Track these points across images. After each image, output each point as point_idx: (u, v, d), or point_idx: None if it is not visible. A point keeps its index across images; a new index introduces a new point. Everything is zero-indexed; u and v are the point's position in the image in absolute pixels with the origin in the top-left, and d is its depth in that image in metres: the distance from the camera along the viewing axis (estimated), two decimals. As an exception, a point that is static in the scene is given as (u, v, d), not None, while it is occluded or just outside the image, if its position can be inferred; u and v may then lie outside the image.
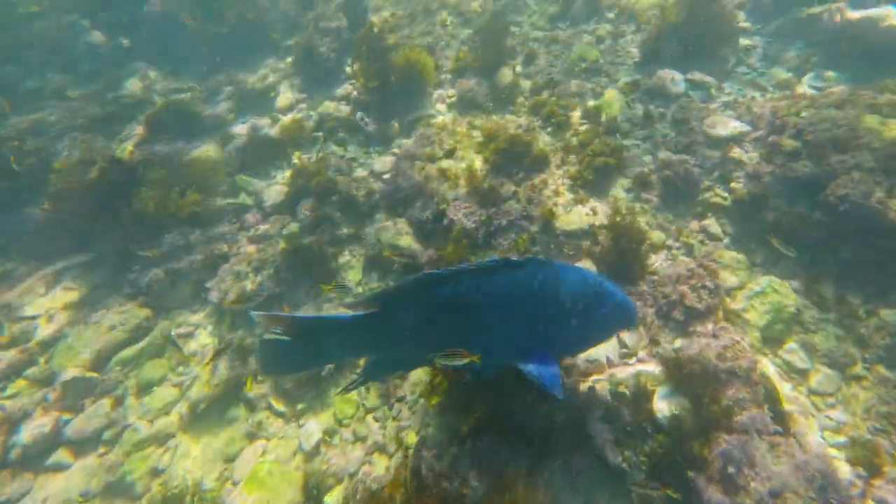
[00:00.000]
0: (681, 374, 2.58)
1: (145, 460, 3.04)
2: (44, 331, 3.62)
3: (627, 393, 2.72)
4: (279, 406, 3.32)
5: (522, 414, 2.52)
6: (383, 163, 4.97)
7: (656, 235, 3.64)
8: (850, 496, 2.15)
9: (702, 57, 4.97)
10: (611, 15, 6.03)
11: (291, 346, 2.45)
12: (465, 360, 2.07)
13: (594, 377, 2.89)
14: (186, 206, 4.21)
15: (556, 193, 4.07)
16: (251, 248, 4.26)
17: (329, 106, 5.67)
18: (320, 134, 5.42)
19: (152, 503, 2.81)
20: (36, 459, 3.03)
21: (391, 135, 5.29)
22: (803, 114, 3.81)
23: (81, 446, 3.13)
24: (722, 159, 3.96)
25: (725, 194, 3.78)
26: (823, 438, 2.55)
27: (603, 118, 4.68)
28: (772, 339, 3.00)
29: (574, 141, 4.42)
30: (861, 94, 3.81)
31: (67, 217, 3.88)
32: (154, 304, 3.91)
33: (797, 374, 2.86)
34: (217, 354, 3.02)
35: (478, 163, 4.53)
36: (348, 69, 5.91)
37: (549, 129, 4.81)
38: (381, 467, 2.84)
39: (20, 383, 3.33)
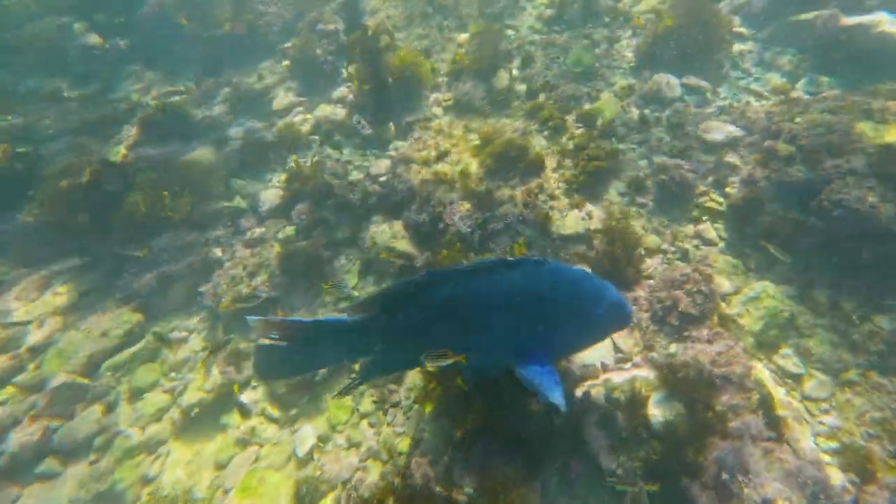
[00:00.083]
0: (675, 380, 2.57)
1: (136, 468, 3.00)
2: (34, 336, 3.57)
3: (622, 398, 2.71)
4: (273, 411, 3.29)
5: (518, 419, 2.51)
6: (379, 166, 4.96)
7: (651, 240, 3.65)
8: (842, 502, 2.14)
9: (697, 61, 4.99)
10: (607, 19, 6.05)
11: (288, 351, 2.44)
12: (451, 361, 2.07)
13: (589, 382, 2.88)
14: (180, 209, 4.18)
15: (552, 197, 4.08)
16: (246, 252, 4.24)
17: (326, 109, 5.66)
18: (317, 137, 5.41)
19: (142, 513, 2.78)
20: (25, 468, 2.99)
21: (388, 138, 5.28)
22: (797, 119, 3.83)
23: (71, 454, 3.09)
24: (717, 164, 3.97)
25: (720, 199, 3.79)
26: (817, 444, 2.55)
27: (599, 122, 4.69)
28: (766, 345, 3.01)
29: (570, 145, 4.43)
30: (854, 99, 3.83)
31: (58, 221, 3.84)
32: (147, 308, 3.88)
33: (791, 380, 2.86)
34: (214, 352, 2.99)
35: (474, 166, 4.53)
36: (345, 72, 5.90)
37: (545, 133, 4.82)
38: (374, 474, 2.82)
39: (9, 390, 3.28)
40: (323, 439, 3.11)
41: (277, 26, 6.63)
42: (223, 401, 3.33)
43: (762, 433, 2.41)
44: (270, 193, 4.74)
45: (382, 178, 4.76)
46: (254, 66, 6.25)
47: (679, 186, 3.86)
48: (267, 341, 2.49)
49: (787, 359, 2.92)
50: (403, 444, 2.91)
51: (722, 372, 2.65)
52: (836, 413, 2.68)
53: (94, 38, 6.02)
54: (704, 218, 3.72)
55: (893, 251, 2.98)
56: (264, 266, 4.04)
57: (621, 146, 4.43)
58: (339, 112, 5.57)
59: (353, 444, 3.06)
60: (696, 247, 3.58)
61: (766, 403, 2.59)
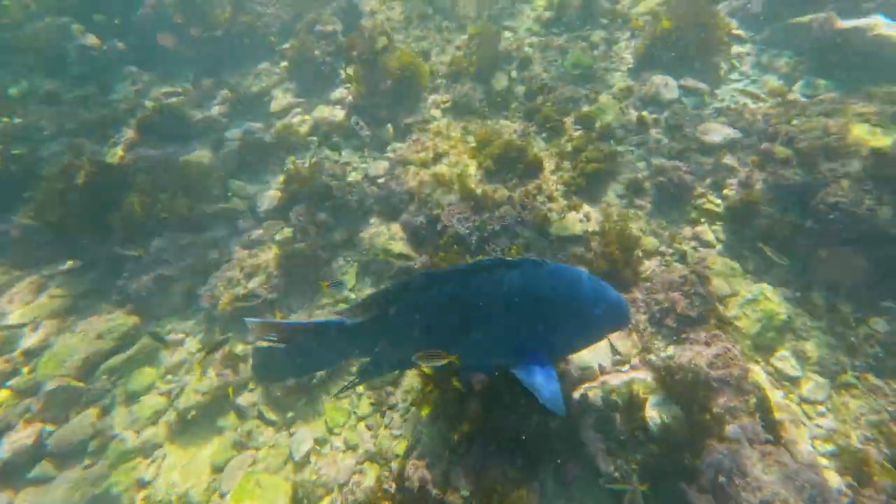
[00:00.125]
0: (672, 382, 2.57)
1: (131, 472, 2.98)
2: (29, 339, 3.55)
3: (620, 401, 2.71)
4: (270, 414, 3.28)
5: (516, 421, 2.51)
6: (378, 167, 4.95)
7: (649, 241, 3.65)
8: (840, 506, 2.15)
9: (695, 63, 5.01)
10: (605, 21, 6.07)
11: (286, 353, 2.44)
12: (444, 361, 2.07)
13: (587, 384, 2.88)
14: (177, 210, 4.16)
15: (551, 199, 4.08)
16: (244, 253, 4.22)
17: (324, 110, 5.65)
18: (315, 138, 5.40)
19: (137, 517, 2.76)
20: (18, 472, 2.97)
21: (386, 139, 5.28)
22: (794, 121, 3.84)
23: (66, 458, 3.06)
24: (715, 166, 3.98)
25: (718, 201, 3.79)
26: (814, 447, 2.55)
27: (597, 124, 4.70)
28: (763, 347, 3.01)
29: (568, 147, 4.43)
30: (850, 102, 3.85)
31: (55, 223, 3.82)
32: (143, 311, 3.86)
33: (788, 382, 2.87)
34: (211, 352, 2.98)
35: (472, 168, 4.53)
36: (343, 73, 5.90)
37: (543, 135, 4.82)
38: (371, 477, 2.81)
39: (3, 394, 3.26)
40: (320, 442, 3.10)
41: (276, 27, 6.63)
42: (220, 403, 3.32)
43: (759, 436, 2.41)
44: (268, 195, 4.73)
45: (381, 180, 4.76)
46: (252, 67, 6.24)
47: (677, 188, 3.87)
48: (264, 343, 2.49)
49: (785, 361, 2.93)
50: (400, 447, 2.90)
51: (719, 374, 2.65)
52: (832, 416, 2.68)
53: (91, 39, 6.01)
54: (702, 220, 3.73)
55: (890, 253, 2.99)
56: (262, 268, 4.03)
57: (620, 148, 4.44)
58: (338, 113, 5.57)
59: (350, 447, 3.05)
60: (695, 249, 3.58)
61: (764, 406, 2.59)
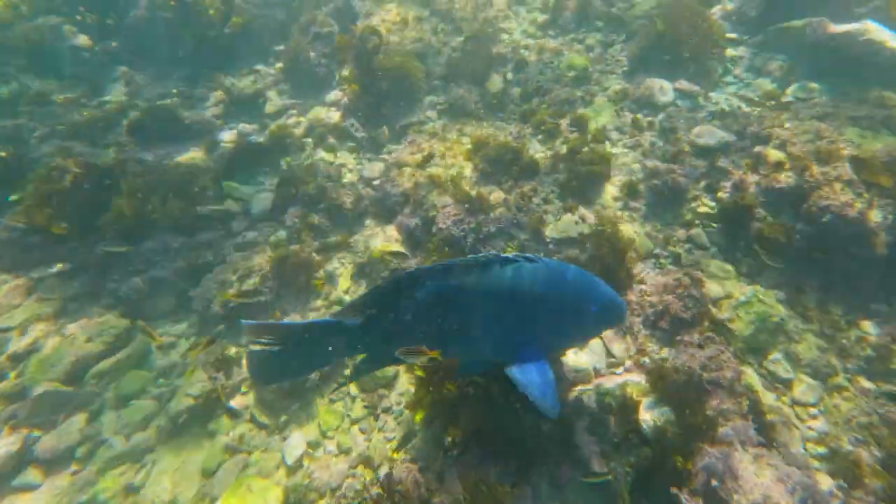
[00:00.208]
0: (666, 385, 2.58)
1: (120, 478, 2.94)
2: (16, 344, 3.50)
3: (614, 403, 2.71)
4: (262, 418, 3.25)
5: (510, 424, 2.50)
6: (373, 169, 4.94)
7: (643, 244, 3.66)
8: (831, 508, 2.15)
9: (689, 66, 5.04)
10: (600, 24, 6.10)
11: (282, 354, 2.43)
12: (425, 358, 2.07)
13: (581, 387, 2.88)
14: (170, 212, 4.13)
15: (546, 201, 4.08)
16: (237, 256, 4.19)
17: (319, 112, 5.63)
18: (310, 140, 5.38)
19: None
20: (3, 479, 2.91)
21: (381, 141, 5.27)
22: (787, 125, 3.87)
23: (53, 464, 3.01)
24: (709, 169, 4.00)
25: (712, 203, 3.81)
26: (806, 450, 2.56)
27: (592, 126, 4.72)
28: (756, 349, 3.02)
29: (564, 149, 4.44)
30: (842, 106, 3.89)
31: (43, 226, 3.77)
32: (134, 314, 3.82)
33: (781, 385, 2.88)
34: (205, 346, 2.95)
35: (467, 170, 4.53)
36: (338, 75, 5.89)
37: (539, 137, 4.83)
38: (365, 480, 2.78)
39: (-11, 398, 3.21)
40: (313, 445, 3.07)
41: (271, 28, 6.61)
42: (211, 407, 3.28)
43: (752, 438, 2.42)
44: (262, 196, 4.70)
45: (376, 182, 4.75)
46: (247, 68, 6.21)
47: (672, 191, 3.89)
48: (257, 347, 2.48)
49: (777, 363, 2.94)
50: (394, 450, 2.88)
51: (712, 377, 2.66)
52: (824, 418, 2.69)
53: (83, 40, 5.96)
54: (697, 222, 3.74)
55: (880, 256, 3.02)
56: (256, 270, 4.00)
57: (614, 150, 4.46)
58: (333, 115, 5.55)
59: (343, 451, 3.03)
60: (689, 251, 3.60)
61: (756, 408, 2.60)
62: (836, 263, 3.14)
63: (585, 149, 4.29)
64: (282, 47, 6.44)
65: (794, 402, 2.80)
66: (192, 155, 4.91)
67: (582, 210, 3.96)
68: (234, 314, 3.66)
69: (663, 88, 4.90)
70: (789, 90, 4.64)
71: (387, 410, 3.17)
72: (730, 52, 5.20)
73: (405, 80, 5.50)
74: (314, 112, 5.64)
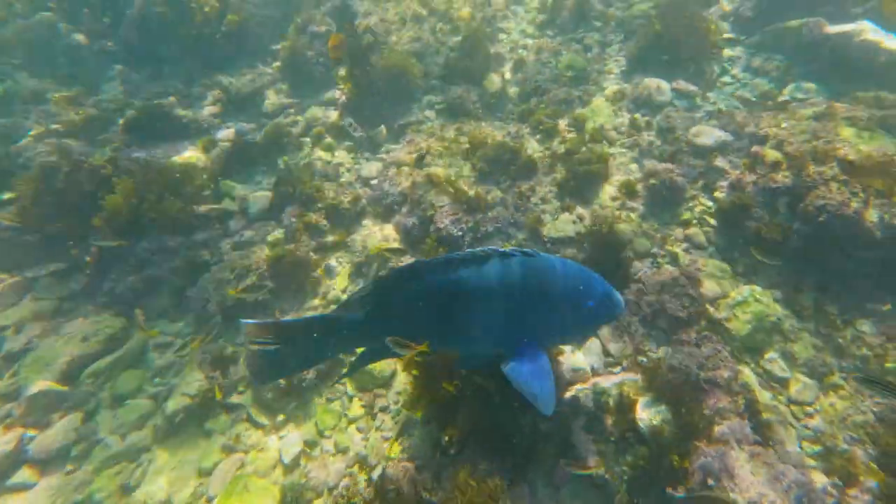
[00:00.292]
0: (663, 384, 2.58)
1: (115, 477, 2.92)
2: (11, 343, 3.48)
3: (611, 402, 2.71)
4: (259, 417, 3.24)
5: (507, 423, 2.50)
6: (371, 168, 4.93)
7: (641, 243, 3.67)
8: (826, 507, 2.16)
9: (687, 66, 5.05)
10: (598, 24, 6.11)
11: (282, 351, 2.43)
12: (413, 352, 2.10)
13: (578, 386, 2.88)
14: (166, 211, 4.11)
15: (544, 200, 4.09)
16: (235, 255, 4.18)
17: (317, 111, 5.62)
18: (307, 139, 5.36)
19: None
20: (-2, 478, 2.90)
21: (379, 140, 5.26)
22: (784, 125, 3.89)
23: (48, 464, 2.99)
24: (706, 168, 4.01)
25: (709, 203, 3.82)
26: (801, 448, 2.57)
27: (590, 126, 4.72)
28: (753, 349, 3.03)
29: (561, 148, 4.44)
30: (838, 106, 3.90)
31: (38, 224, 3.75)
32: (130, 313, 3.80)
33: (777, 384, 2.89)
34: (204, 340, 2.94)
35: (465, 170, 4.53)
36: (335, 74, 5.87)
37: (537, 137, 4.83)
38: (361, 480, 2.78)
39: (-16, 398, 3.19)
40: (310, 445, 3.07)
41: (268, 27, 6.59)
42: (208, 406, 3.27)
43: (748, 437, 2.43)
44: (260, 195, 4.69)
45: (374, 181, 4.74)
46: (244, 67, 6.19)
47: (669, 190, 3.89)
48: (255, 347, 2.47)
49: (774, 363, 2.95)
50: (391, 450, 2.88)
51: (709, 376, 2.66)
52: (820, 417, 2.70)
53: (79, 38, 5.93)
54: (694, 222, 3.75)
55: (876, 256, 3.03)
56: (253, 269, 3.99)
57: (612, 150, 4.46)
58: (331, 114, 5.54)
59: (340, 450, 3.02)
60: (686, 251, 3.61)
61: (753, 407, 2.61)
62: (833, 263, 3.15)
63: (583, 148, 4.30)
64: (279, 46, 6.42)
65: (791, 401, 2.80)
66: (189, 154, 4.89)
67: (580, 209, 3.96)
68: (232, 313, 3.65)
69: (661, 88, 4.90)
70: (786, 90, 4.66)
71: (384, 410, 3.17)
72: (727, 52, 5.21)
73: (402, 79, 5.49)
74: (312, 111, 5.63)
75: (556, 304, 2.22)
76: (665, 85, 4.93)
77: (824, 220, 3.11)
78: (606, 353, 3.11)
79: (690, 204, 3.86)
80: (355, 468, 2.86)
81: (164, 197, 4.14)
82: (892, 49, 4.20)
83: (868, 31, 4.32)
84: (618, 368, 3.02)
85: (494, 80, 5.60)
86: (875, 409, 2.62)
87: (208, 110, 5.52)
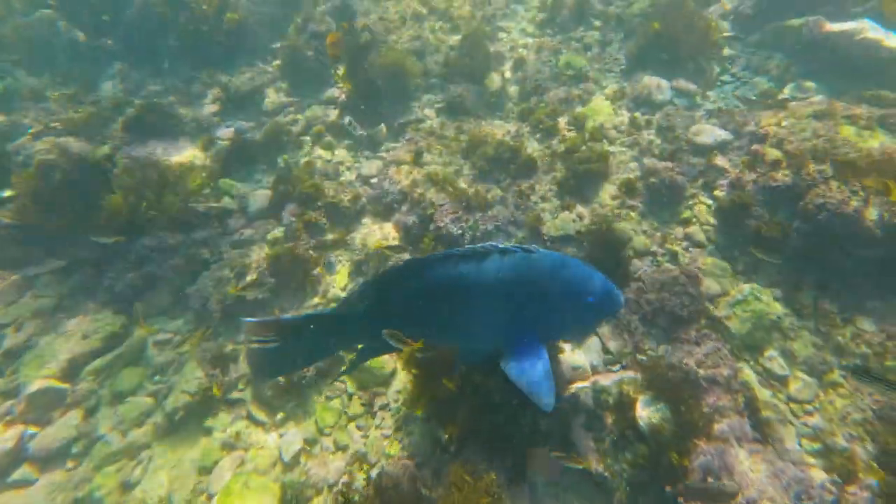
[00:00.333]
0: (662, 382, 2.58)
1: (116, 474, 2.93)
2: (11, 340, 3.48)
3: (610, 400, 2.72)
4: (259, 415, 3.24)
5: (507, 421, 2.50)
6: (371, 167, 4.93)
7: (641, 242, 3.67)
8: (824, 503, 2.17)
9: (687, 65, 5.05)
10: (597, 23, 6.10)
11: (283, 348, 2.44)
12: (407, 349, 2.12)
13: (578, 384, 2.88)
14: (166, 209, 4.10)
15: (544, 199, 4.08)
16: (234, 253, 4.18)
17: (317, 109, 5.61)
18: (307, 137, 5.36)
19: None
20: (-2, 475, 2.90)
21: (379, 139, 5.25)
22: (784, 123, 3.88)
23: (48, 461, 3.00)
24: (706, 167, 4.01)
25: (709, 202, 3.82)
26: (801, 446, 2.57)
27: (590, 125, 4.72)
28: (753, 347, 3.03)
29: (561, 147, 4.44)
30: (838, 105, 3.90)
31: (36, 223, 3.74)
32: (130, 311, 3.80)
33: (777, 381, 2.89)
34: (203, 334, 2.94)
35: (465, 168, 4.53)
36: (334, 72, 5.86)
37: (537, 135, 4.83)
38: (360, 478, 2.78)
39: (-17, 396, 3.19)
40: (310, 442, 3.07)
41: (268, 25, 6.57)
42: (208, 404, 3.27)
43: (748, 435, 2.43)
44: (259, 194, 4.69)
45: (373, 180, 4.74)
46: (243, 65, 6.18)
47: (669, 189, 3.89)
48: (255, 345, 2.48)
49: (773, 361, 2.95)
50: (391, 447, 2.88)
51: (708, 374, 2.67)
52: (819, 414, 2.71)
53: (78, 36, 5.92)
54: (694, 220, 3.75)
55: (876, 254, 3.03)
56: (253, 267, 3.99)
57: (612, 149, 4.46)
58: (331, 113, 5.53)
59: (340, 448, 3.03)
60: (686, 249, 3.61)
61: (752, 405, 2.61)
62: (833, 261, 3.15)
63: (583, 147, 4.29)
64: (279, 45, 6.41)
65: (790, 399, 2.81)
66: (189, 152, 4.88)
67: (579, 208, 3.96)
68: (232, 311, 3.65)
69: (661, 87, 4.90)
70: (786, 89, 4.65)
71: (384, 408, 3.17)
72: (727, 50, 5.20)
73: (402, 77, 5.48)
74: (311, 109, 5.62)
75: (556, 300, 2.23)
76: (665, 83, 4.93)
77: (825, 218, 3.11)
78: (606, 351, 3.12)
79: (690, 202, 3.86)
80: (355, 466, 2.87)
81: (165, 195, 4.14)
82: (893, 47, 4.20)
83: (868, 29, 4.32)
84: (617, 366, 3.03)
85: (494, 79, 5.60)
86: (874, 407, 2.63)
87: (208, 108, 5.52)
